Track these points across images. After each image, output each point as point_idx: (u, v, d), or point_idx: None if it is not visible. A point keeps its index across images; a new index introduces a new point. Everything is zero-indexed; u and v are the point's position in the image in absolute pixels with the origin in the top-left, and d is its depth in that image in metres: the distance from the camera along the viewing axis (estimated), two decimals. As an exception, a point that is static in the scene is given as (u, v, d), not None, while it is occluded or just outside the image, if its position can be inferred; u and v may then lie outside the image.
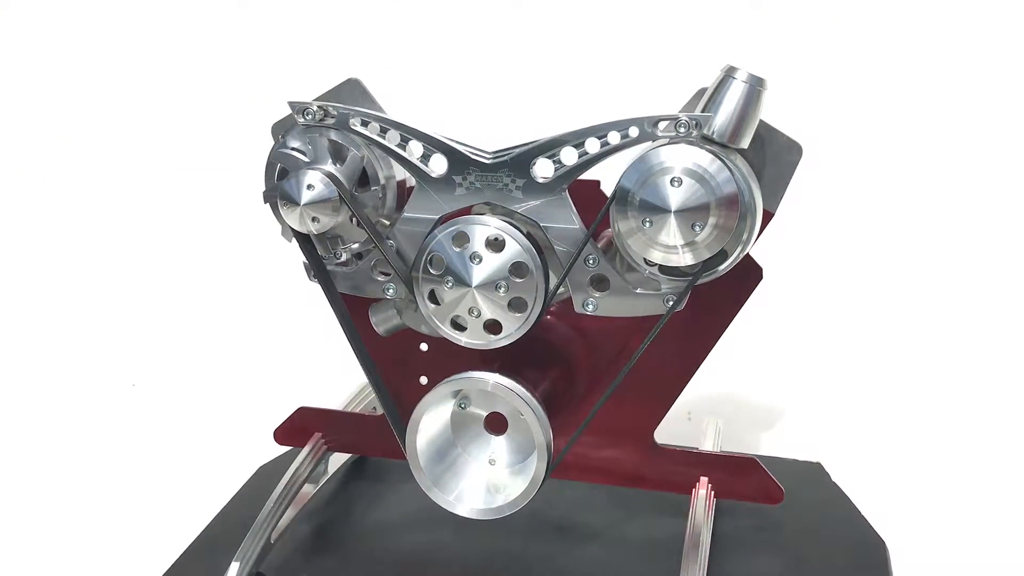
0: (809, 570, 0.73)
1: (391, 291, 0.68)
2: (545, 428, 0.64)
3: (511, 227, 0.62)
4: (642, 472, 0.75)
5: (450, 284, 0.63)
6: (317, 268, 0.67)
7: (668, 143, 0.59)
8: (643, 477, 0.75)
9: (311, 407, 0.81)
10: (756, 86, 0.60)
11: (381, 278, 0.68)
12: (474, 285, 0.62)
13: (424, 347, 0.76)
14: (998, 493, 0.87)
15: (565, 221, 0.63)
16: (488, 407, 0.66)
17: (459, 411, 0.67)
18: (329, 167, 0.65)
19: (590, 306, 0.64)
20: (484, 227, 0.62)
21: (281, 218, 0.67)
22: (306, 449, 0.79)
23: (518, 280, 0.62)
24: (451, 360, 0.72)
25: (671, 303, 0.63)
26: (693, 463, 0.74)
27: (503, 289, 0.62)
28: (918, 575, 0.75)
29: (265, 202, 0.67)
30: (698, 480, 0.74)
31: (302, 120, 0.65)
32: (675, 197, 0.57)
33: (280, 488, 0.76)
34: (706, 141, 0.59)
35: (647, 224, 0.58)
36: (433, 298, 0.64)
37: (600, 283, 0.64)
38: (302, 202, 0.63)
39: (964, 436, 0.96)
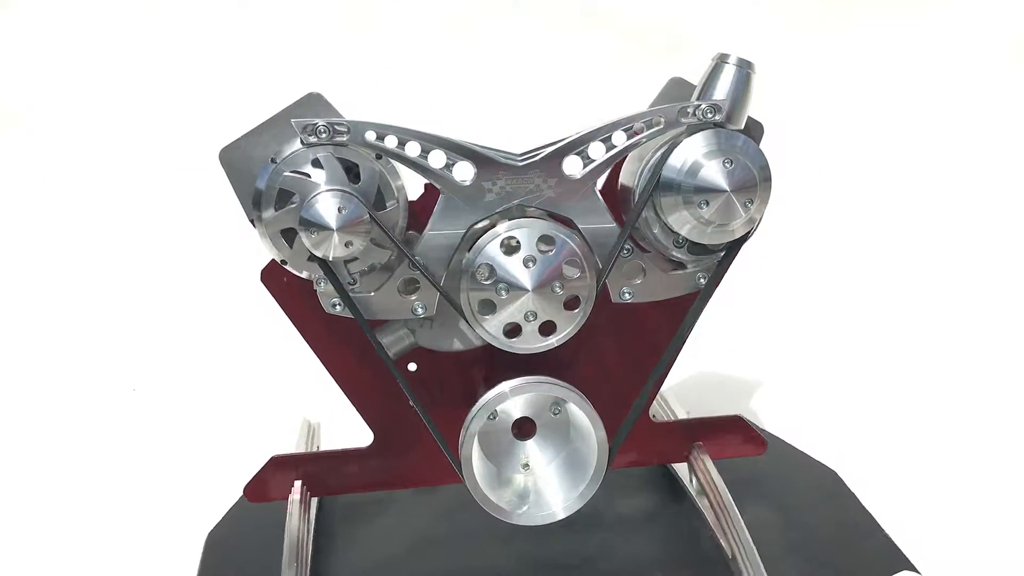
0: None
1: (421, 310, 0.64)
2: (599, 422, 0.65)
3: (560, 226, 0.62)
4: (642, 449, 0.78)
5: (505, 291, 0.61)
6: (345, 296, 0.62)
7: (696, 130, 0.62)
8: (643, 454, 0.78)
9: (284, 455, 0.74)
10: (747, 69, 0.65)
11: (413, 297, 0.64)
12: (532, 289, 0.61)
13: (413, 367, 0.73)
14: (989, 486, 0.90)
15: (597, 215, 0.64)
16: (532, 412, 0.66)
17: (488, 423, 0.65)
18: (347, 187, 0.60)
19: (627, 295, 0.66)
20: (534, 229, 0.61)
21: (287, 247, 0.61)
22: (296, 504, 0.72)
23: (571, 278, 0.62)
24: (442, 380, 0.70)
25: (704, 279, 0.66)
26: (685, 431, 0.79)
27: (559, 289, 0.62)
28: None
29: (267, 233, 0.61)
30: (693, 446, 0.78)
31: (313, 140, 0.59)
32: (730, 177, 0.60)
33: (287, 554, 0.69)
34: (718, 125, 0.63)
35: (703, 206, 0.61)
36: (484, 308, 0.62)
37: (634, 272, 0.66)
38: (337, 226, 0.58)
39: (956, 429, 1.00)
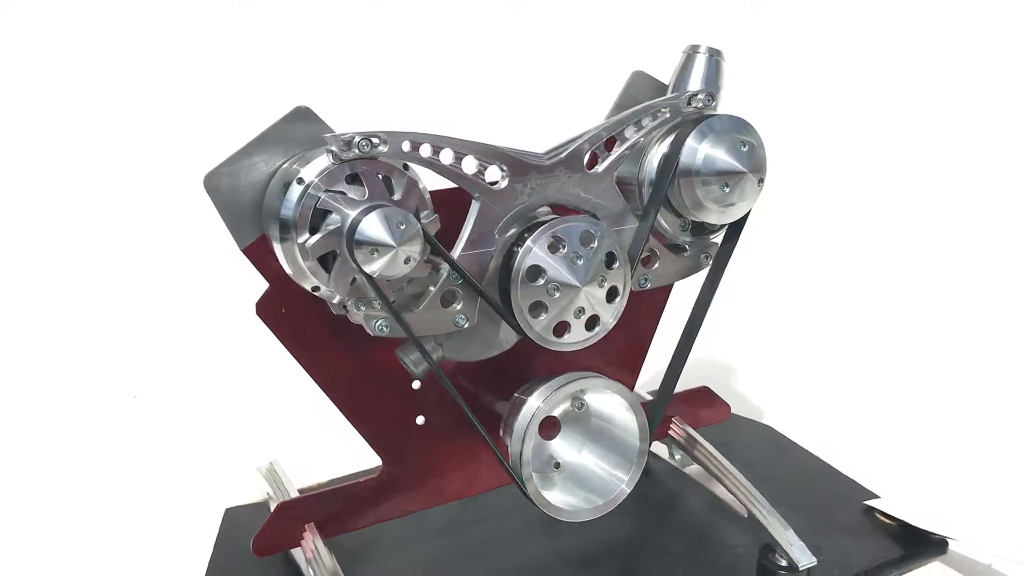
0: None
1: (463, 321, 0.62)
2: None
3: (594, 220, 0.63)
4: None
5: (556, 291, 0.61)
6: (398, 316, 0.58)
7: (698, 118, 0.66)
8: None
9: (292, 500, 0.69)
10: (717, 57, 0.69)
11: (456, 308, 0.62)
12: (583, 285, 0.62)
13: (417, 385, 0.70)
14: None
15: (615, 206, 0.65)
16: (560, 410, 0.67)
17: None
18: (389, 200, 0.57)
19: (647, 283, 0.68)
20: (574, 226, 0.61)
21: (324, 273, 0.57)
22: (320, 549, 0.67)
23: (610, 271, 0.63)
24: (446, 396, 0.69)
25: (708, 259, 0.70)
26: (661, 409, 0.82)
27: (603, 282, 0.63)
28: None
29: (303, 260, 0.56)
30: (671, 420, 0.82)
31: (353, 154, 0.56)
32: (747, 159, 0.64)
33: None
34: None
35: (726, 188, 0.64)
36: (534, 310, 0.61)
37: (650, 259, 0.68)
38: (399, 243, 0.55)
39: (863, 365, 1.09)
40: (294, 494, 0.74)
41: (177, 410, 1.07)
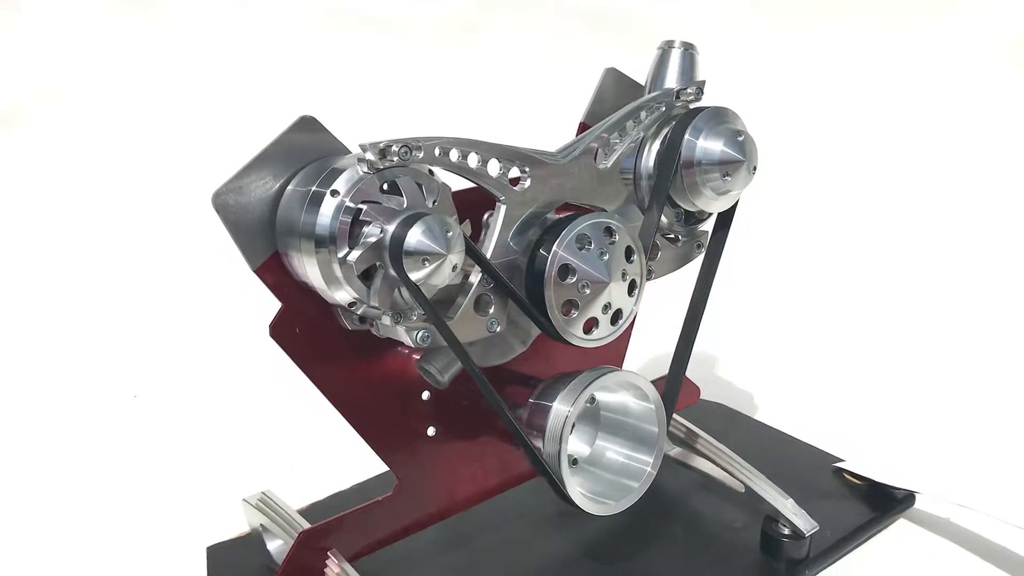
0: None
1: (496, 327, 0.61)
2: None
3: (612, 215, 0.63)
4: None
5: (587, 288, 0.61)
6: (443, 325, 0.57)
7: (691, 110, 0.68)
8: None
9: (314, 527, 0.65)
10: (692, 51, 0.72)
11: (491, 314, 0.61)
12: (611, 280, 0.62)
13: (426, 395, 0.69)
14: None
15: (621, 200, 0.67)
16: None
17: None
18: (427, 208, 0.56)
19: (652, 274, 0.70)
20: (597, 222, 0.62)
21: (363, 287, 0.55)
22: (351, 574, 0.64)
23: (629, 264, 0.64)
24: (455, 405, 0.69)
25: (700, 247, 0.73)
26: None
27: (624, 276, 0.64)
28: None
29: (356, 271, 0.54)
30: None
31: (393, 161, 0.54)
32: (745, 149, 0.67)
33: None
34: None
35: (727, 177, 0.67)
36: (565, 309, 0.61)
37: (654, 250, 0.70)
38: (449, 250, 0.54)
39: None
40: (301, 522, 0.70)
41: (177, 410, 1.05)
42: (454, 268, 0.55)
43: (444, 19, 1.54)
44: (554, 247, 0.60)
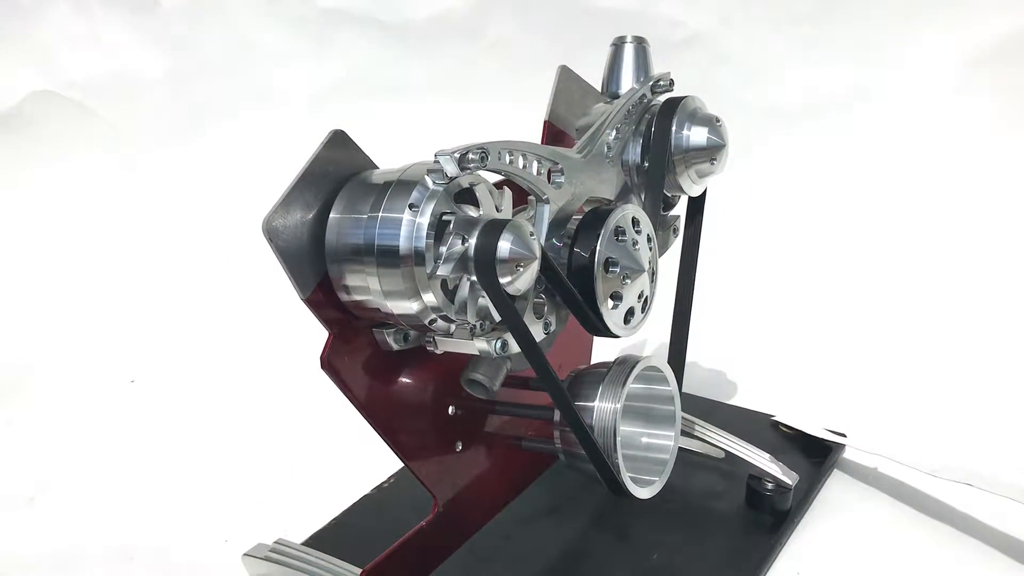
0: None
1: (552, 327, 0.61)
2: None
3: (632, 205, 0.65)
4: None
5: (629, 278, 0.63)
6: (526, 331, 0.56)
7: (665, 98, 0.71)
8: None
9: (374, 564, 0.61)
10: (644, 44, 0.75)
11: (548, 317, 0.60)
12: (646, 269, 0.64)
13: (452, 410, 0.67)
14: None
15: (621, 191, 0.69)
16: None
17: None
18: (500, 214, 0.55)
19: (650, 259, 0.72)
20: (626, 214, 0.63)
21: (447, 300, 0.53)
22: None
23: (651, 252, 0.66)
24: (471, 418, 0.68)
25: (676, 232, 0.76)
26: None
27: (650, 264, 0.66)
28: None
29: (435, 290, 0.52)
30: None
31: (471, 167, 0.52)
32: (724, 134, 0.71)
33: None
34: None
35: (714, 163, 0.70)
36: (612, 301, 0.62)
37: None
38: (538, 254, 0.53)
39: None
40: (337, 563, 0.66)
41: (174, 395, 1.05)
42: (535, 273, 0.54)
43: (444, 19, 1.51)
44: (597, 242, 0.61)
